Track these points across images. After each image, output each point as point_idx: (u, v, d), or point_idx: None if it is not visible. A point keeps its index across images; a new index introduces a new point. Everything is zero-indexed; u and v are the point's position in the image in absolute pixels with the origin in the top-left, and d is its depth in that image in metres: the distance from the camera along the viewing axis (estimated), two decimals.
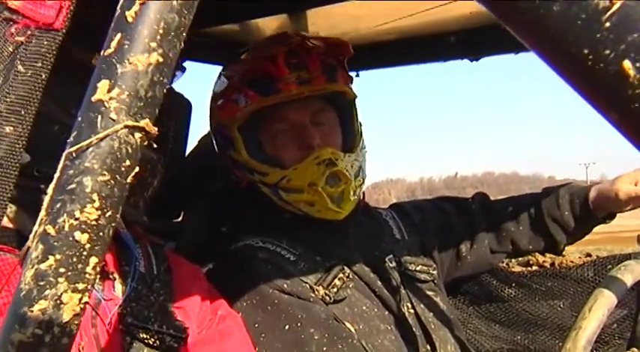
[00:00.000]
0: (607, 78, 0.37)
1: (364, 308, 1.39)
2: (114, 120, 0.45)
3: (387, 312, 1.42)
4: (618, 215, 1.59)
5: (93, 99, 0.46)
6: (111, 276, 1.09)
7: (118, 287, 1.09)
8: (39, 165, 0.95)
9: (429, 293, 1.52)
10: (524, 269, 1.66)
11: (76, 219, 0.45)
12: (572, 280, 1.58)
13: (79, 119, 0.46)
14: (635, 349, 1.25)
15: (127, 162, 0.47)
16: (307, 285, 1.35)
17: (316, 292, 1.34)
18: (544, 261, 1.64)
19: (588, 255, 1.64)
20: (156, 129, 0.47)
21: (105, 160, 0.46)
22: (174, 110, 1.48)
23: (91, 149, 0.45)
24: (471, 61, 1.77)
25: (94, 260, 0.46)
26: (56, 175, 0.46)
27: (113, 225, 0.47)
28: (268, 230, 1.44)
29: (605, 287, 1.10)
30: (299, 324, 1.29)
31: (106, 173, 0.46)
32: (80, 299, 0.46)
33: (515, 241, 1.65)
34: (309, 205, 1.42)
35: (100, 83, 0.46)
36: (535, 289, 1.64)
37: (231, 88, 1.46)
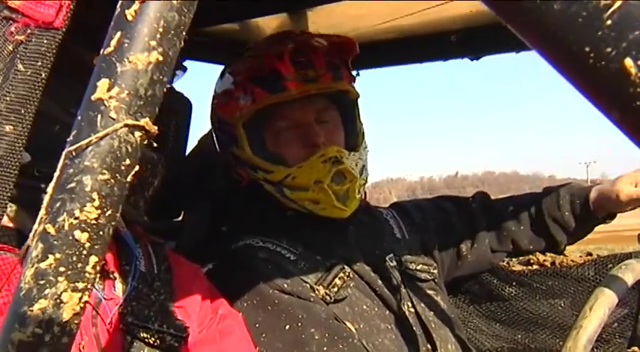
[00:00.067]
0: (608, 76, 0.36)
1: (365, 307, 1.39)
2: (114, 119, 0.45)
3: (387, 311, 1.42)
4: (619, 214, 1.59)
5: (93, 98, 0.46)
6: (111, 275, 1.09)
7: (119, 286, 1.09)
8: (39, 165, 0.95)
9: (430, 292, 1.52)
10: (524, 268, 1.66)
11: (76, 218, 0.45)
12: (573, 279, 1.58)
13: (79, 118, 0.46)
14: (635, 348, 1.25)
15: (127, 161, 0.46)
16: (308, 285, 1.35)
17: (317, 292, 1.34)
18: (545, 260, 1.64)
19: (589, 254, 1.64)
20: (156, 128, 0.47)
21: (105, 159, 0.46)
22: (174, 109, 1.48)
23: (90, 148, 0.45)
24: (472, 60, 1.77)
25: (93, 259, 0.46)
26: (56, 174, 0.46)
27: (113, 224, 0.47)
28: (269, 229, 1.44)
29: (606, 286, 1.10)
30: (299, 324, 1.29)
31: (105, 172, 0.46)
32: (80, 299, 0.46)
33: (515, 240, 1.65)
34: (314, 203, 1.42)
35: (99, 82, 0.46)
36: (536, 288, 1.64)
37: (236, 85, 1.46)
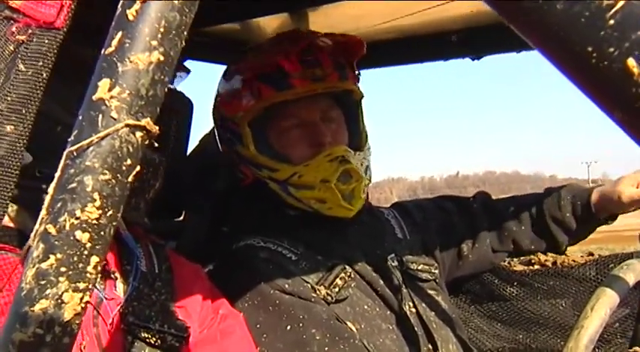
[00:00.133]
0: (611, 76, 0.36)
1: (366, 307, 1.38)
2: (115, 119, 0.45)
3: (388, 311, 1.42)
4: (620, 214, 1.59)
5: (94, 98, 0.46)
6: (112, 275, 1.09)
7: (120, 286, 1.09)
8: (41, 166, 0.95)
9: (431, 292, 1.52)
10: (526, 268, 1.66)
11: (77, 219, 0.45)
12: (574, 279, 1.58)
13: (80, 118, 0.46)
14: (637, 348, 1.25)
15: (128, 161, 0.46)
16: (309, 285, 1.35)
17: (318, 292, 1.34)
18: (546, 260, 1.64)
19: (590, 253, 1.64)
20: (157, 128, 0.47)
21: (106, 159, 0.45)
22: (175, 109, 1.47)
23: (91, 148, 0.45)
24: (473, 59, 1.76)
25: (95, 259, 0.46)
26: (57, 174, 0.46)
27: (114, 224, 0.47)
28: (270, 229, 1.44)
29: (608, 286, 1.10)
30: (300, 324, 1.28)
31: (107, 172, 0.46)
32: (81, 299, 0.46)
33: (516, 241, 1.65)
34: (320, 202, 1.42)
35: (100, 82, 0.46)
36: (537, 288, 1.63)
37: (241, 83, 1.45)
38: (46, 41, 0.69)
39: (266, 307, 1.31)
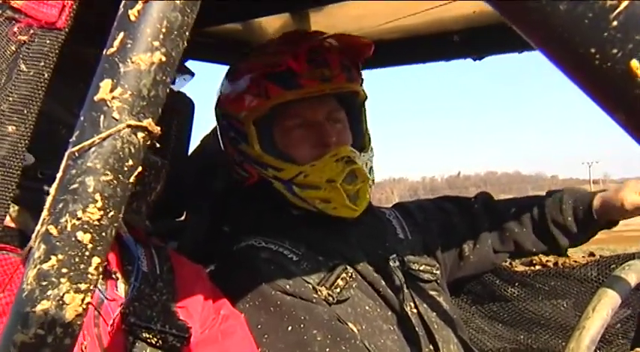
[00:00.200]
0: (614, 77, 0.36)
1: (367, 308, 1.38)
2: (116, 120, 0.45)
3: (389, 312, 1.42)
4: None
5: (95, 98, 0.46)
6: (114, 276, 1.09)
7: (121, 286, 1.09)
8: (42, 167, 0.95)
9: (432, 292, 1.52)
10: (527, 268, 1.66)
11: (79, 219, 0.45)
12: (576, 280, 1.58)
13: (82, 119, 0.46)
14: (639, 349, 1.25)
15: (130, 162, 0.46)
16: (310, 286, 1.35)
17: (319, 292, 1.34)
18: (547, 261, 1.64)
19: (591, 254, 1.64)
20: (159, 128, 0.47)
21: (107, 160, 0.45)
22: (176, 109, 1.48)
23: (93, 149, 0.45)
24: (475, 60, 1.76)
25: (96, 260, 0.46)
26: (58, 175, 0.46)
27: (115, 225, 0.47)
28: (271, 230, 1.44)
29: (609, 286, 1.10)
30: (302, 325, 1.28)
31: (108, 173, 0.45)
32: (83, 300, 0.46)
33: (518, 242, 1.65)
34: (325, 202, 1.42)
35: (102, 82, 0.46)
36: (538, 288, 1.63)
37: (249, 82, 1.46)
38: (48, 41, 0.69)
39: (267, 308, 1.31)
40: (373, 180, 1.49)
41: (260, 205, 1.49)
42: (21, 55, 0.69)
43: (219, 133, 1.59)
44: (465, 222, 1.69)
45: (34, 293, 0.45)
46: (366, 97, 1.54)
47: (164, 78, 0.47)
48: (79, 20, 0.72)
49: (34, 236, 0.46)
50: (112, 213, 0.46)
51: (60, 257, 0.45)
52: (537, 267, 1.64)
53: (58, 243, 0.45)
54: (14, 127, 0.68)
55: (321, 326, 1.29)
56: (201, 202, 1.64)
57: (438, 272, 1.56)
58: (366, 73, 1.67)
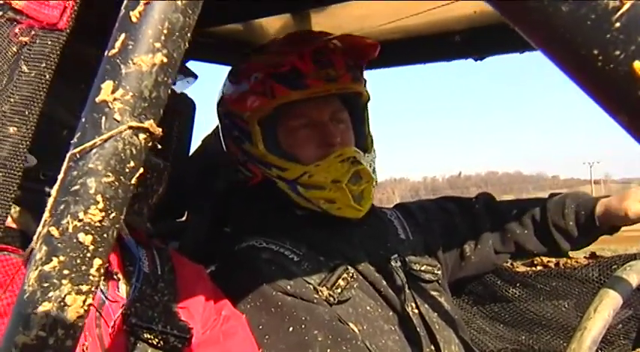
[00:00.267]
0: (617, 79, 0.36)
1: (368, 308, 1.38)
2: (118, 121, 0.45)
3: (391, 312, 1.42)
4: None
5: (97, 100, 0.46)
6: (115, 276, 1.09)
7: (122, 287, 1.09)
8: (44, 168, 0.95)
9: (434, 293, 1.52)
10: (528, 269, 1.66)
11: (80, 221, 0.45)
12: (577, 280, 1.58)
13: (83, 120, 0.46)
14: None
15: (132, 164, 0.46)
16: (311, 286, 1.35)
17: (320, 293, 1.34)
18: (549, 261, 1.64)
19: (593, 254, 1.63)
20: (160, 130, 0.47)
21: (109, 161, 0.45)
22: (178, 110, 1.48)
23: (95, 150, 0.45)
24: (476, 60, 1.76)
25: (97, 262, 0.46)
26: (60, 176, 0.46)
27: (117, 226, 0.47)
28: (272, 230, 1.44)
29: (611, 287, 1.09)
30: (303, 326, 1.28)
31: (110, 174, 0.45)
32: (84, 301, 0.46)
33: (519, 243, 1.65)
34: (330, 202, 1.42)
35: (104, 84, 0.45)
36: (540, 289, 1.63)
37: (254, 81, 1.46)
38: (49, 43, 0.69)
39: (268, 308, 1.31)
40: (376, 181, 1.50)
41: (263, 205, 1.49)
42: (22, 56, 0.69)
43: (221, 133, 1.59)
44: (467, 223, 1.69)
45: (35, 294, 0.45)
46: (369, 98, 1.55)
47: (165, 79, 0.47)
48: (81, 21, 0.71)
49: (35, 237, 0.46)
50: (113, 215, 0.46)
51: (61, 258, 0.45)
52: (539, 268, 1.64)
53: (59, 245, 0.45)
54: (16, 128, 0.68)
55: (322, 326, 1.29)
56: (203, 202, 1.65)
57: (439, 272, 1.56)
58: (366, 73, 1.68)
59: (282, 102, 1.42)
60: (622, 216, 1.50)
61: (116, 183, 0.46)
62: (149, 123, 0.46)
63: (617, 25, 0.36)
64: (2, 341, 0.46)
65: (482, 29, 1.66)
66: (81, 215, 0.45)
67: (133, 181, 0.47)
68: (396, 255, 1.49)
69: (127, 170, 0.46)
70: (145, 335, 1.05)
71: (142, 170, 0.47)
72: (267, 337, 1.28)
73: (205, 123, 1.69)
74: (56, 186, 0.46)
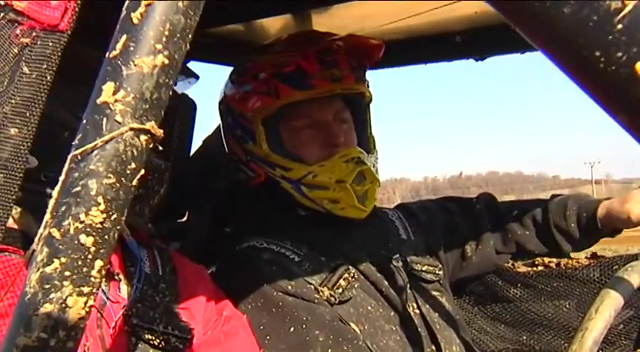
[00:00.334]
0: (619, 81, 0.36)
1: (369, 308, 1.38)
2: (119, 123, 0.45)
3: (392, 312, 1.42)
4: None
5: (98, 101, 0.46)
6: (116, 277, 1.09)
7: (124, 288, 1.09)
8: (46, 170, 0.95)
9: (435, 293, 1.52)
10: (529, 269, 1.66)
11: (81, 222, 0.45)
12: (578, 281, 1.57)
13: (84, 121, 0.46)
14: None
15: (133, 165, 0.46)
16: (312, 286, 1.35)
17: (321, 293, 1.34)
18: (550, 262, 1.64)
19: (594, 254, 1.63)
20: (161, 131, 0.47)
21: (110, 163, 0.45)
22: (179, 111, 1.48)
23: (96, 152, 0.45)
24: (477, 60, 1.76)
25: (99, 263, 0.46)
26: (61, 178, 0.46)
27: (118, 228, 0.47)
28: (273, 230, 1.44)
29: (612, 287, 1.09)
30: (304, 326, 1.28)
31: (111, 176, 0.45)
32: (85, 303, 0.46)
33: (520, 244, 1.65)
34: (334, 202, 1.42)
35: (105, 85, 0.45)
36: (541, 289, 1.63)
37: (258, 81, 1.46)
38: (51, 44, 0.69)
39: (269, 309, 1.31)
40: (379, 182, 1.50)
41: (265, 205, 1.49)
42: (23, 58, 0.69)
43: (222, 132, 1.59)
44: (468, 223, 1.69)
45: (36, 296, 0.45)
46: (372, 99, 1.55)
47: (167, 80, 0.47)
48: (82, 22, 0.71)
49: (36, 239, 0.46)
50: (114, 216, 0.46)
51: (63, 260, 0.45)
52: (540, 268, 1.64)
53: (60, 246, 0.45)
54: (17, 130, 0.67)
55: (323, 326, 1.29)
56: (204, 203, 1.65)
57: (440, 272, 1.56)
58: (367, 74, 1.68)
59: (287, 102, 1.42)
60: (624, 218, 1.50)
61: (117, 184, 0.46)
62: (150, 125, 0.46)
63: (620, 26, 0.36)
64: (3, 342, 0.46)
65: (483, 29, 1.66)
66: (82, 216, 0.45)
67: (134, 183, 0.47)
68: (397, 255, 1.49)
69: (128, 171, 0.46)
70: (146, 336, 1.05)
71: (143, 171, 0.47)
72: (268, 337, 1.28)
73: (206, 123, 1.69)
74: (57, 188, 0.46)
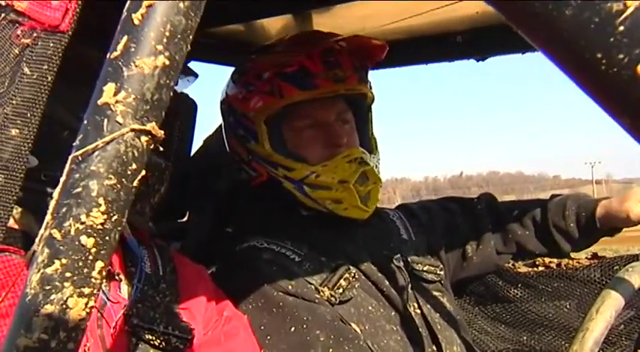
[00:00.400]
0: (620, 83, 0.36)
1: (370, 308, 1.38)
2: (120, 124, 0.45)
3: (393, 312, 1.42)
4: None
5: (99, 102, 0.46)
6: (117, 277, 1.09)
7: (124, 288, 1.09)
8: (46, 169, 0.95)
9: (436, 293, 1.52)
10: (530, 269, 1.65)
11: (82, 223, 0.45)
12: (579, 281, 1.57)
13: (85, 122, 0.46)
14: None
15: (134, 166, 0.46)
16: (312, 286, 1.34)
17: (321, 293, 1.34)
18: (550, 262, 1.64)
19: (595, 255, 1.63)
20: (162, 132, 0.47)
21: (111, 164, 0.45)
22: (179, 111, 1.47)
23: (97, 153, 0.45)
24: (477, 61, 1.76)
25: (99, 264, 0.46)
26: (62, 179, 0.46)
27: (119, 229, 0.47)
28: (274, 230, 1.44)
29: (613, 288, 1.09)
30: (304, 326, 1.28)
31: (112, 177, 0.45)
32: (86, 304, 0.46)
33: (520, 244, 1.65)
34: (336, 202, 1.42)
35: (106, 86, 0.46)
36: (541, 290, 1.63)
37: (261, 81, 1.46)
38: (51, 44, 0.69)
39: (270, 309, 1.31)
40: (382, 183, 1.50)
41: (267, 205, 1.49)
42: (24, 58, 0.69)
43: (224, 132, 1.59)
44: (469, 223, 1.69)
45: (37, 297, 0.45)
46: (374, 100, 1.55)
47: (168, 81, 0.47)
48: (83, 23, 0.71)
49: (37, 240, 0.46)
50: (115, 217, 0.46)
51: (63, 261, 0.45)
52: (540, 268, 1.64)
53: (61, 247, 0.45)
54: (18, 130, 0.68)
55: (323, 326, 1.29)
56: (204, 202, 1.65)
57: (441, 272, 1.56)
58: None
59: (290, 101, 1.42)
60: (623, 217, 1.50)
61: (118, 185, 0.46)
62: (151, 126, 0.46)
63: (621, 28, 0.36)
64: (4, 343, 0.46)
65: (484, 30, 1.66)
66: (83, 217, 0.45)
67: (135, 184, 0.47)
68: (398, 255, 1.49)
69: (129, 172, 0.46)
70: (147, 336, 1.05)
71: (143, 172, 0.47)
72: (268, 337, 1.28)
73: (207, 123, 1.69)
74: (58, 189, 0.46)
